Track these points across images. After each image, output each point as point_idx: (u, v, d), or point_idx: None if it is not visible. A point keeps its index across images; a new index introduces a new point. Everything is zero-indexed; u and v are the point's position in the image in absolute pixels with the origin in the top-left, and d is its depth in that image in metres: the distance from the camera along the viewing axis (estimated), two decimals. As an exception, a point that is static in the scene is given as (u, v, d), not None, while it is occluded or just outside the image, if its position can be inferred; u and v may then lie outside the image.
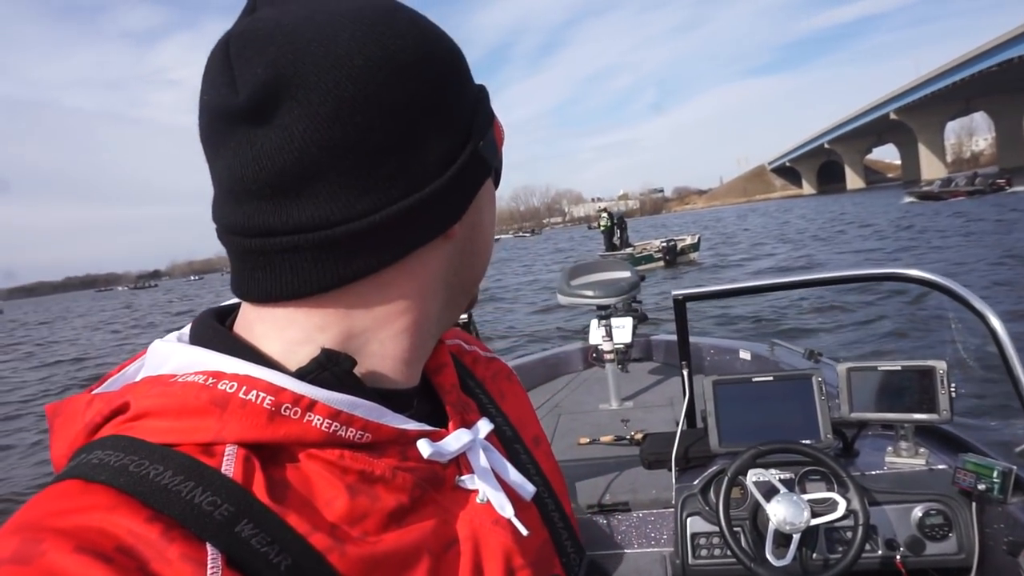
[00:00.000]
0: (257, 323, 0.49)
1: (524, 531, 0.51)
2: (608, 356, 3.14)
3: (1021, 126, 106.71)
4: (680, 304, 2.06)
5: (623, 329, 3.34)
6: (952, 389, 1.68)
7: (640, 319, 3.52)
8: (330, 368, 0.46)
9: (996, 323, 1.61)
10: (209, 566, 0.37)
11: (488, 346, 0.76)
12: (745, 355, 3.03)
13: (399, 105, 0.45)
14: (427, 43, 0.50)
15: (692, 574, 1.78)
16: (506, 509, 0.51)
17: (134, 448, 0.41)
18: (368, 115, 0.44)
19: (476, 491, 0.52)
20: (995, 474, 1.54)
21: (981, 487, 1.56)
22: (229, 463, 0.42)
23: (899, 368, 1.75)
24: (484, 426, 0.57)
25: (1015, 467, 1.54)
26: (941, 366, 1.69)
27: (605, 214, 25.28)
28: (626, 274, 3.28)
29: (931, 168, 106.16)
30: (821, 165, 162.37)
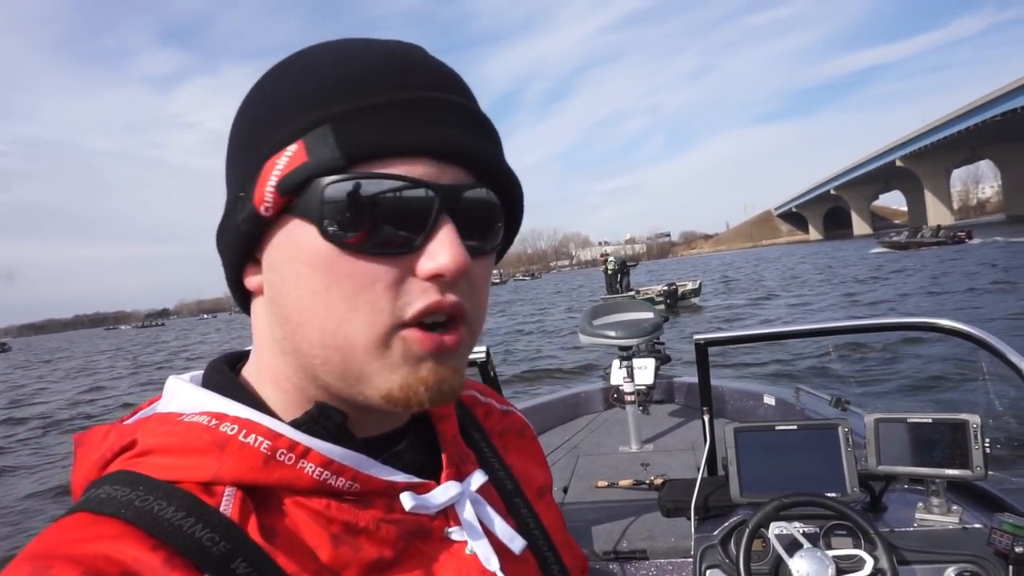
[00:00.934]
0: (251, 363, 0.54)
1: None
2: (629, 397, 3.07)
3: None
4: (702, 348, 2.01)
5: (645, 370, 3.28)
6: (986, 444, 1.60)
7: (663, 360, 3.45)
8: (322, 421, 0.48)
9: None
10: None
11: (504, 388, 0.76)
12: (769, 400, 2.95)
13: (227, 154, 0.52)
14: (252, 89, 0.51)
15: None
16: (491, 562, 0.52)
17: (140, 484, 0.43)
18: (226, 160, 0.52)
19: (465, 542, 0.52)
20: None
21: (1019, 549, 1.48)
22: (228, 503, 0.44)
23: (930, 421, 1.67)
24: (477, 479, 0.56)
25: None
26: (975, 420, 1.62)
27: (612, 258, 25.81)
28: (649, 315, 3.22)
29: (937, 215, 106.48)
30: (827, 211, 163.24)
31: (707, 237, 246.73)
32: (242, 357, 0.57)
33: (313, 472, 0.46)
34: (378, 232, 0.45)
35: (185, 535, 0.41)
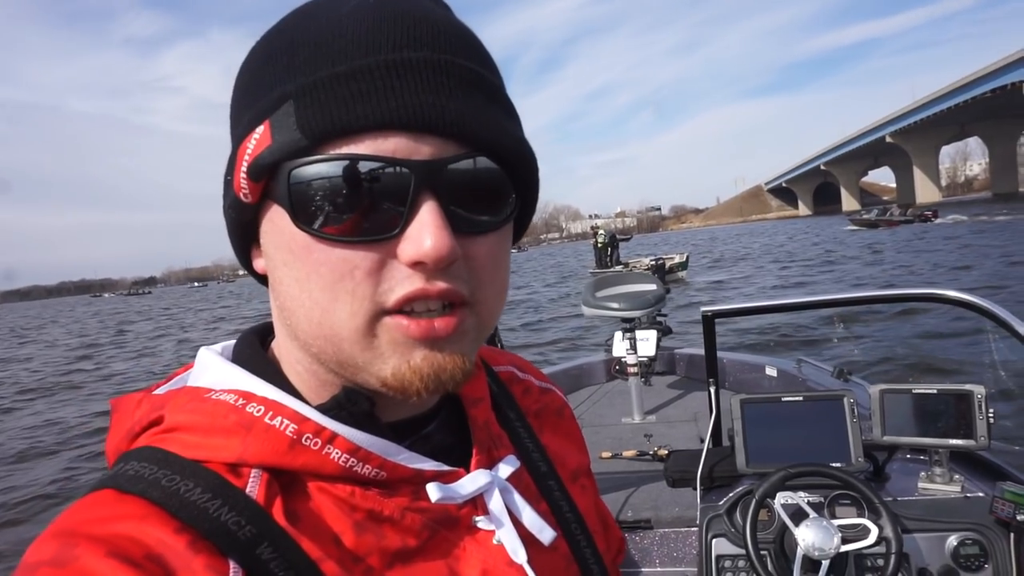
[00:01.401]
0: (275, 341, 0.53)
1: None
2: (632, 369, 3.10)
3: (1014, 152, 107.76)
4: (709, 320, 2.01)
5: (647, 342, 3.31)
6: (991, 415, 1.62)
7: (664, 332, 3.48)
8: (348, 407, 0.47)
9: None
10: None
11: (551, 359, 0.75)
12: (771, 372, 2.97)
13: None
14: (243, 61, 0.48)
15: None
16: (519, 554, 0.51)
17: (167, 462, 0.43)
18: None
19: (493, 531, 0.51)
20: None
21: (1020, 517, 1.50)
22: (254, 485, 0.43)
23: (935, 392, 1.69)
24: (507, 466, 0.55)
25: None
26: (979, 391, 1.64)
27: (602, 232, 26.11)
28: (652, 287, 3.24)
29: (925, 191, 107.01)
30: (817, 186, 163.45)
31: (697, 211, 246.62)
32: (270, 329, 0.55)
33: (339, 459, 0.45)
34: (351, 217, 0.42)
35: (211, 518, 0.40)
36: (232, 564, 0.40)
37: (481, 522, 0.51)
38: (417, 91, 0.41)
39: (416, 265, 0.42)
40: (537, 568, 0.51)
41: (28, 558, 0.38)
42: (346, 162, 0.41)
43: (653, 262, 22.66)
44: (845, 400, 1.76)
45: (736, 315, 2.04)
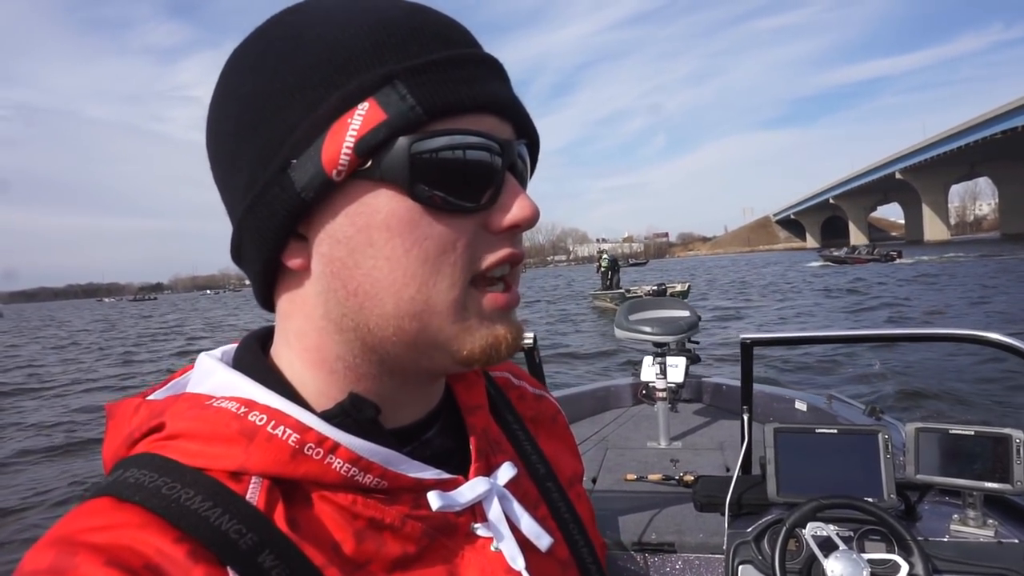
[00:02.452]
0: (282, 346, 0.53)
1: None
2: (660, 394, 3.08)
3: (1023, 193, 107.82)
4: (747, 348, 2.00)
5: (676, 368, 3.30)
6: None
7: (693, 360, 3.47)
8: (353, 414, 0.47)
9: None
10: None
11: (546, 374, 0.75)
12: (801, 406, 2.95)
13: (221, 122, 0.48)
14: (256, 50, 0.47)
15: None
16: (517, 561, 0.51)
17: (168, 470, 0.43)
18: (211, 130, 0.49)
19: (491, 538, 0.52)
20: None
21: (1057, 565, 1.49)
22: (255, 492, 0.43)
23: (972, 433, 1.68)
24: (505, 472, 0.56)
25: None
26: (1018, 435, 1.62)
27: (605, 256, 26.75)
28: (685, 313, 3.22)
29: (934, 229, 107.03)
30: (825, 220, 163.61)
31: (705, 239, 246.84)
32: (270, 335, 0.55)
33: (341, 468, 0.45)
34: (458, 188, 0.45)
35: (211, 527, 0.41)
36: (231, 573, 0.40)
37: (480, 529, 0.52)
38: (495, 81, 0.47)
39: (508, 231, 0.47)
40: (535, 574, 0.52)
41: (25, 566, 0.38)
42: (467, 136, 0.44)
43: (655, 288, 22.83)
44: (880, 436, 1.75)
45: (775, 344, 2.04)
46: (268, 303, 0.52)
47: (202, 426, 0.45)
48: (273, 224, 0.46)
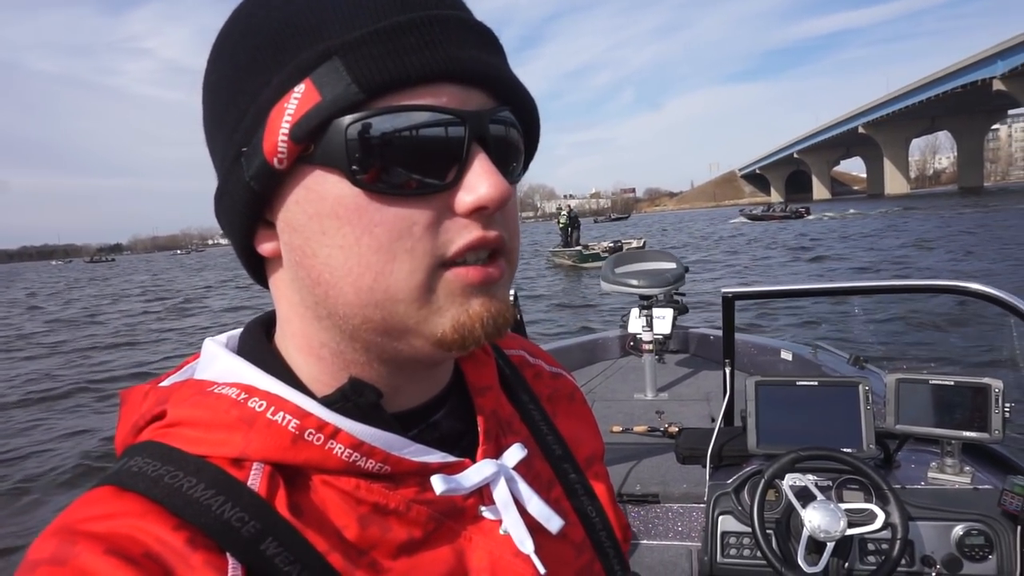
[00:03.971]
0: (280, 332, 0.52)
1: (542, 569, 0.50)
2: (647, 346, 3.11)
3: (981, 147, 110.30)
4: (728, 302, 1.99)
5: (663, 320, 3.32)
6: (1007, 409, 1.63)
7: (680, 311, 3.48)
8: (354, 399, 0.47)
9: None
10: (230, 574, 0.39)
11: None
12: (786, 355, 2.99)
13: (203, 110, 0.48)
14: (221, 34, 0.47)
15: (719, 572, 1.74)
16: (526, 544, 0.50)
17: (171, 458, 0.43)
18: (204, 110, 0.49)
19: (499, 522, 0.51)
20: None
21: (1029, 510, 1.52)
22: (256, 478, 0.43)
23: (952, 383, 1.69)
24: (514, 454, 0.54)
25: None
26: (997, 385, 1.64)
27: (563, 213, 26.64)
28: (672, 265, 3.22)
29: (895, 183, 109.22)
30: (790, 174, 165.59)
31: (672, 195, 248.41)
32: (275, 319, 0.54)
33: (342, 453, 0.45)
34: (409, 170, 0.41)
35: (214, 515, 0.40)
36: (231, 560, 0.40)
37: (487, 512, 0.51)
38: (461, 45, 0.42)
39: (474, 213, 0.43)
40: (545, 558, 0.51)
41: (29, 556, 0.38)
42: (411, 113, 0.41)
43: (611, 245, 23.28)
44: (860, 387, 1.76)
45: (756, 298, 2.03)
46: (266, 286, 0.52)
47: (202, 413, 0.45)
48: (234, 212, 0.46)
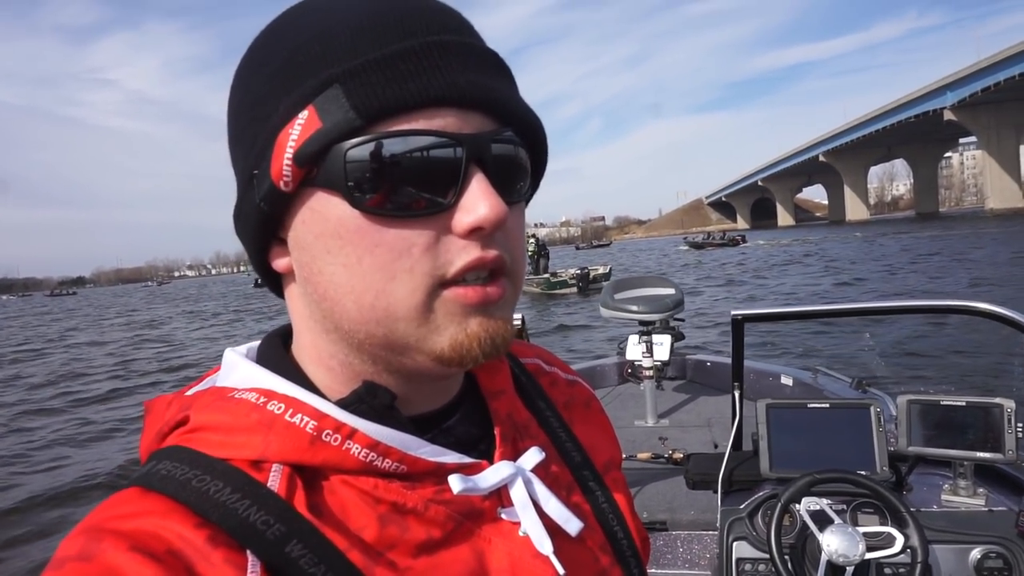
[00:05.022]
0: (295, 343, 0.54)
1: (561, 570, 0.50)
2: (647, 372, 3.09)
3: (935, 174, 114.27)
4: (738, 324, 1.97)
5: (662, 347, 3.29)
6: (1020, 429, 1.62)
7: (677, 338, 3.46)
8: (369, 401, 0.48)
9: None
10: (249, 570, 0.40)
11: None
12: (787, 380, 2.98)
13: (229, 127, 0.50)
14: (241, 63, 0.49)
15: None
16: (544, 545, 0.50)
17: (197, 463, 0.44)
18: (228, 133, 0.51)
19: (518, 523, 0.51)
20: None
21: (1048, 531, 1.50)
22: (275, 479, 0.44)
23: (963, 404, 1.68)
24: (532, 457, 0.54)
25: None
26: (1009, 404, 1.63)
27: (532, 240, 26.90)
28: (670, 291, 3.22)
29: (855, 209, 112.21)
30: (755, 201, 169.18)
31: (640, 222, 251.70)
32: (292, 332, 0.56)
33: (359, 453, 0.46)
34: (407, 193, 0.43)
35: (240, 518, 0.42)
36: (250, 557, 0.41)
37: (506, 513, 0.51)
38: (461, 70, 0.43)
39: (472, 233, 0.44)
40: (564, 560, 0.51)
41: (58, 554, 0.40)
42: (406, 138, 0.42)
43: (578, 271, 23.68)
44: (872, 409, 1.75)
45: (766, 320, 2.01)
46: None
47: (223, 417, 0.46)
48: (249, 230, 0.48)
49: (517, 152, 0.48)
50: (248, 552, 0.41)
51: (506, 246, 0.46)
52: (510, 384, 0.59)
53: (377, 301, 0.44)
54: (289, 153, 0.43)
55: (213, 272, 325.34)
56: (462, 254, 0.44)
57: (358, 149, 0.42)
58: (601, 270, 24.72)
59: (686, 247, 64.23)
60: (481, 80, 0.44)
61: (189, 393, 0.52)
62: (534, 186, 0.53)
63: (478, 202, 0.43)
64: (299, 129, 0.43)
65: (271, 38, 0.47)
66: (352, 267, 0.44)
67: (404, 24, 0.44)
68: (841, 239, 46.86)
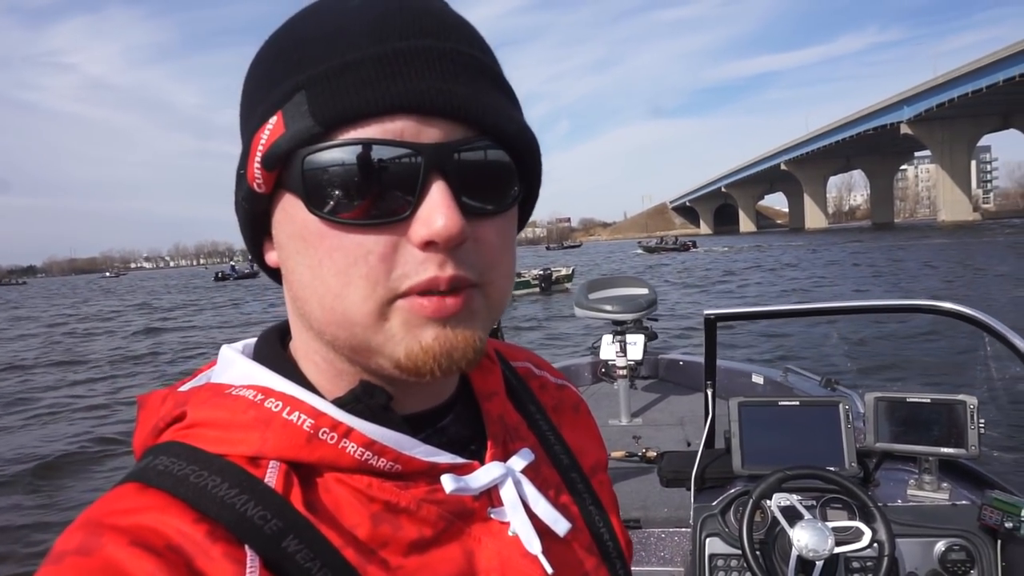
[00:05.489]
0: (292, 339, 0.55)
1: (550, 569, 0.51)
2: (621, 372, 3.11)
3: (891, 186, 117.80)
4: (711, 324, 1.99)
5: (635, 346, 3.32)
6: (982, 425, 1.67)
7: (650, 337, 3.49)
8: (365, 400, 0.48)
9: None
10: (248, 565, 0.41)
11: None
12: (758, 379, 3.02)
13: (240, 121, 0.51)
14: (254, 57, 0.50)
15: None
16: (533, 545, 0.51)
17: (195, 458, 0.44)
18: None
19: (508, 523, 0.52)
20: (1023, 512, 1.52)
21: (1008, 525, 1.55)
22: (272, 476, 0.44)
23: (928, 401, 1.73)
24: (521, 459, 0.55)
25: None
26: (972, 401, 1.68)
27: None
28: (644, 291, 3.26)
29: (814, 218, 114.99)
30: (718, 207, 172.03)
31: (605, 225, 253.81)
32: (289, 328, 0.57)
33: (355, 452, 0.46)
34: (364, 201, 0.43)
35: (238, 513, 0.42)
36: (249, 552, 0.41)
37: (496, 513, 0.52)
38: (424, 76, 0.42)
39: (428, 246, 0.43)
40: (553, 560, 0.51)
41: (56, 548, 0.40)
42: (358, 146, 0.42)
43: (541, 272, 23.92)
44: (841, 406, 1.79)
45: (739, 319, 2.04)
46: None
47: (221, 414, 0.46)
48: (241, 227, 0.51)
49: (492, 162, 0.46)
50: (247, 547, 0.41)
51: (475, 261, 0.45)
52: (502, 386, 0.60)
53: (336, 304, 0.44)
54: (258, 156, 0.44)
55: (171, 264, 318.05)
56: (418, 269, 0.43)
57: (315, 156, 0.42)
58: (564, 271, 25.06)
59: (640, 251, 68.36)
60: (448, 87, 0.43)
61: (183, 389, 0.52)
62: (530, 194, 0.53)
63: (434, 214, 0.42)
64: (268, 134, 0.44)
65: (267, 43, 0.48)
66: (314, 269, 0.44)
67: (378, 29, 0.43)
68: (784, 248, 50.05)
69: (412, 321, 0.44)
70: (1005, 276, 18.27)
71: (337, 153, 0.42)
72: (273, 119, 0.44)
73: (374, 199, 0.43)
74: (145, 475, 0.44)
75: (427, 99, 0.42)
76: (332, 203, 0.43)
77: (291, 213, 0.45)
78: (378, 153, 0.42)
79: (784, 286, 20.39)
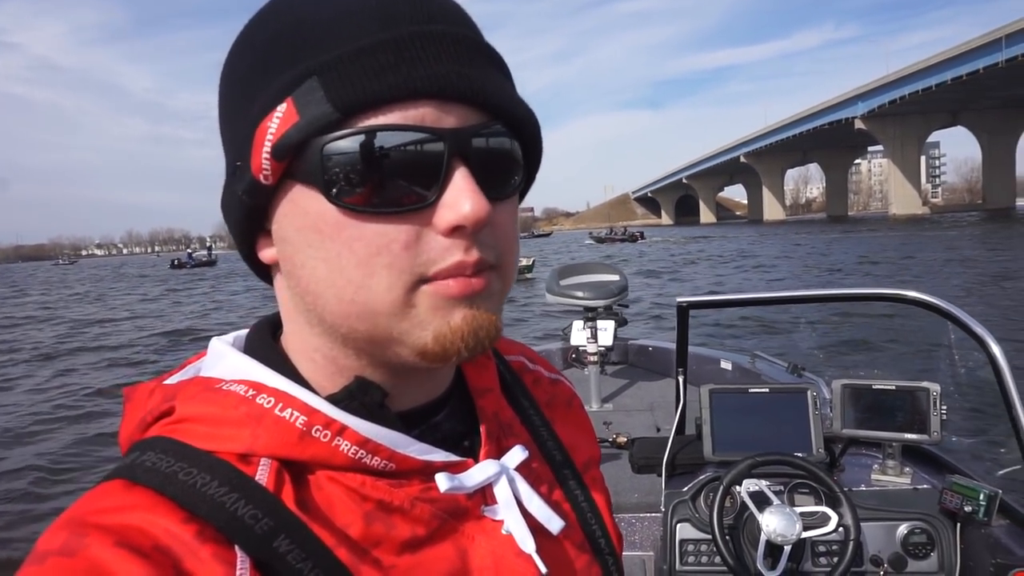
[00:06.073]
0: (284, 334, 0.53)
1: (543, 568, 0.50)
2: (592, 358, 3.12)
3: (846, 179, 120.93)
4: (683, 311, 2.00)
5: (606, 332, 3.32)
6: (944, 411, 1.71)
7: (620, 323, 3.50)
8: (360, 397, 0.47)
9: (996, 349, 1.65)
10: (238, 567, 0.39)
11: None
12: (726, 365, 3.05)
13: (219, 116, 0.49)
14: (228, 53, 0.48)
15: None
16: (527, 544, 0.50)
17: (183, 455, 0.43)
18: (219, 122, 0.50)
19: (502, 522, 0.51)
20: (981, 497, 1.57)
21: (967, 509, 1.59)
22: (263, 474, 0.43)
23: (893, 388, 1.77)
24: (515, 456, 0.54)
25: (1000, 491, 1.58)
26: (935, 388, 1.72)
27: None
28: (615, 277, 3.25)
29: (772, 209, 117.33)
30: (679, 198, 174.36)
31: (568, 215, 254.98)
32: (280, 321, 0.55)
33: (348, 450, 0.45)
34: (386, 188, 0.42)
35: (228, 512, 0.41)
36: (239, 553, 0.40)
37: (489, 511, 0.51)
38: (442, 61, 0.42)
39: (455, 231, 0.43)
40: (546, 558, 0.51)
41: (39, 547, 0.38)
42: (383, 132, 0.41)
43: None
44: (808, 393, 1.81)
45: (710, 307, 2.05)
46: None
47: (211, 409, 0.45)
48: (234, 222, 0.48)
49: (505, 146, 0.46)
50: (236, 548, 0.40)
51: (493, 243, 0.45)
52: (496, 382, 0.59)
53: (357, 296, 0.43)
54: (267, 147, 0.42)
55: (124, 252, 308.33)
56: (444, 255, 0.43)
57: (335, 144, 0.41)
58: (524, 262, 25.34)
59: (591, 241, 70.47)
60: (465, 71, 0.43)
61: (170, 381, 0.50)
62: (529, 179, 0.52)
63: (460, 199, 0.42)
64: (277, 122, 0.42)
65: (256, 25, 0.46)
66: (332, 261, 0.43)
67: (387, 13, 0.42)
68: (735, 238, 51.34)
69: (440, 304, 0.44)
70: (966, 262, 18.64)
71: (359, 140, 0.41)
72: (282, 106, 0.42)
73: (396, 187, 0.42)
74: (132, 472, 0.42)
75: (448, 84, 0.42)
76: (353, 192, 0.41)
77: (302, 205, 0.43)
78: (402, 139, 0.41)
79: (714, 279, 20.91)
